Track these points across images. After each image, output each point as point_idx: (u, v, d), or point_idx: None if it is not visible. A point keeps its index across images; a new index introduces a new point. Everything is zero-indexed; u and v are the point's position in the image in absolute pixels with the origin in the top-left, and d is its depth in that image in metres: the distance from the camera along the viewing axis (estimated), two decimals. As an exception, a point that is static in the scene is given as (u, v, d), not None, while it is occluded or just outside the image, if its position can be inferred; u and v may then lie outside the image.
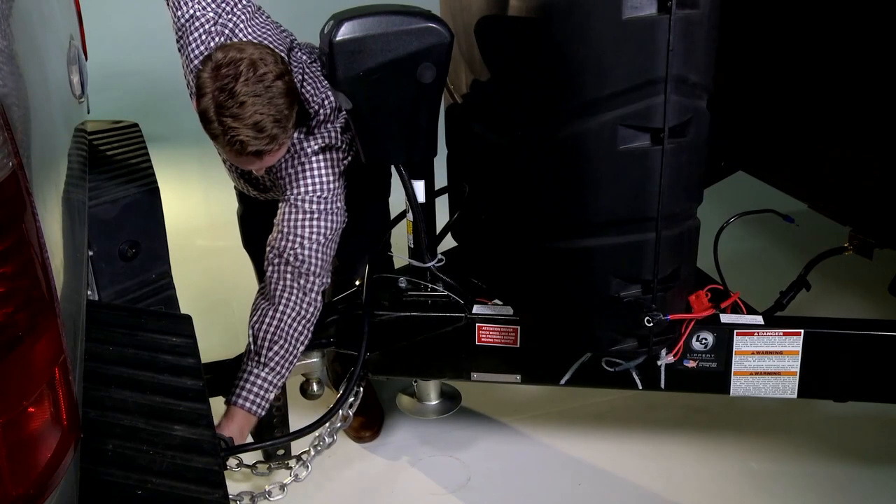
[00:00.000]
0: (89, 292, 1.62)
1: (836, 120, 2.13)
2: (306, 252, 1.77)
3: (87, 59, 2.10)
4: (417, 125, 1.76)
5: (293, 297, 1.79)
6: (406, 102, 1.72)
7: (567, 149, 1.53)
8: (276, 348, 1.79)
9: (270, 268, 1.81)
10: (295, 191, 1.79)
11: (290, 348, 1.80)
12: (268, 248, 1.82)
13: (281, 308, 1.79)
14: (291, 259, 1.77)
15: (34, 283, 0.79)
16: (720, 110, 1.67)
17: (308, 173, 1.78)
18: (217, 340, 2.64)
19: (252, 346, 1.81)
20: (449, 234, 2.13)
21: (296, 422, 1.97)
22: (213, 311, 3.06)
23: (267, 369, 1.79)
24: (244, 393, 1.78)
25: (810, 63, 2.19)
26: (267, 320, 1.80)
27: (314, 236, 1.78)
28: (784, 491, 2.12)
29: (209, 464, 1.15)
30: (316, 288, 1.80)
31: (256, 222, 2.36)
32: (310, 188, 1.78)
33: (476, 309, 1.89)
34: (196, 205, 4.06)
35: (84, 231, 1.49)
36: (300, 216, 1.78)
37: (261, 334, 1.79)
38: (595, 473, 2.21)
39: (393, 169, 1.95)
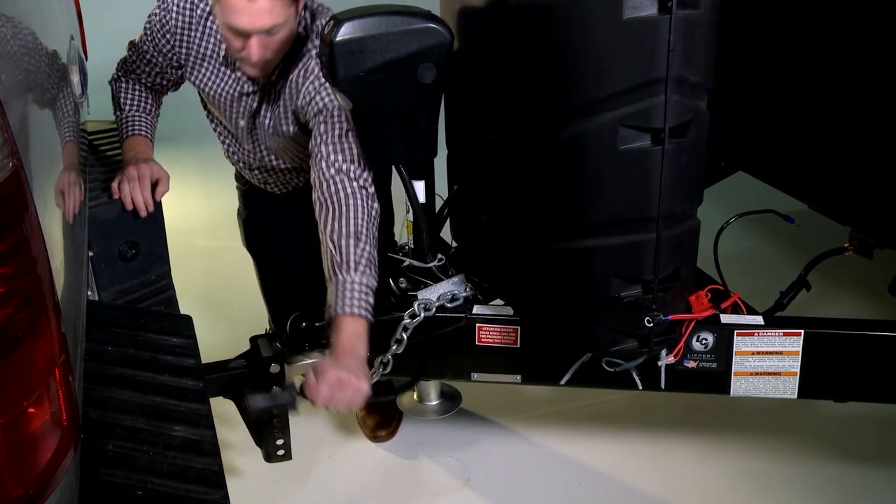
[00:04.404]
0: (89, 292, 1.62)
1: (836, 120, 2.13)
2: (356, 153, 1.77)
3: (87, 59, 2.10)
4: (417, 125, 1.76)
5: (359, 200, 1.76)
6: (406, 103, 1.72)
7: (567, 149, 1.53)
8: (358, 249, 1.73)
9: (327, 184, 1.77)
10: (326, 99, 1.80)
11: (369, 247, 1.75)
12: (319, 169, 1.79)
13: (352, 212, 1.75)
14: (345, 168, 1.76)
15: (34, 283, 0.79)
16: (720, 110, 1.67)
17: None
18: (217, 341, 2.64)
19: (335, 258, 1.73)
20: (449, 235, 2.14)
21: (296, 422, 1.97)
22: (214, 312, 3.06)
23: (357, 272, 1.72)
24: (344, 301, 1.69)
25: (810, 63, 2.19)
26: (341, 228, 1.74)
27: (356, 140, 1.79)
28: (784, 491, 2.12)
29: (210, 464, 1.15)
30: (370, 183, 1.79)
31: (259, 223, 2.37)
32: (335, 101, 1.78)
33: (476, 309, 1.89)
34: (196, 205, 4.06)
35: (84, 231, 1.49)
36: (344, 125, 1.78)
37: (342, 241, 1.73)
38: (595, 473, 2.22)
39: (393, 169, 1.95)
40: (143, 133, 2.03)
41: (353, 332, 1.67)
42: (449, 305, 1.90)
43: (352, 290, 1.70)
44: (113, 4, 4.98)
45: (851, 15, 2.01)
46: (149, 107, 2.09)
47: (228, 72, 1.95)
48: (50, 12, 1.33)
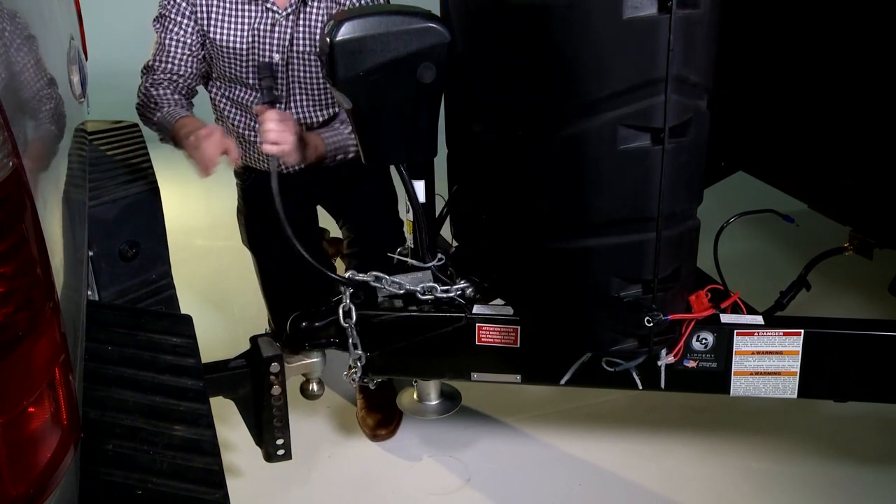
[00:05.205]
0: (89, 292, 1.62)
1: (837, 120, 2.13)
2: None
3: (87, 59, 2.10)
4: (417, 125, 1.76)
5: None
6: (406, 102, 1.72)
7: (567, 149, 1.53)
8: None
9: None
10: None
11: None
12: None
13: None
14: None
15: (34, 283, 0.79)
16: (720, 110, 1.67)
17: None
18: (217, 341, 2.65)
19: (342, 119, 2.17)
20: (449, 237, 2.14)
21: (296, 422, 1.97)
22: (214, 311, 3.06)
23: (347, 132, 2.11)
24: (329, 134, 2.10)
25: (810, 63, 2.19)
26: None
27: None
28: (784, 491, 2.12)
29: (209, 464, 1.15)
30: None
31: (260, 220, 2.37)
32: None
33: (476, 309, 1.89)
34: (196, 205, 4.07)
35: (84, 231, 1.49)
36: None
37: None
38: (595, 473, 2.22)
39: (393, 169, 1.96)
40: (192, 115, 2.09)
41: (317, 143, 2.05)
42: (409, 286, 1.87)
43: (337, 134, 2.09)
44: (113, 4, 4.98)
45: (851, 14, 2.01)
46: (184, 105, 2.14)
47: (255, 7, 2.07)
48: (50, 12, 1.33)
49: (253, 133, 2.24)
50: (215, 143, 1.88)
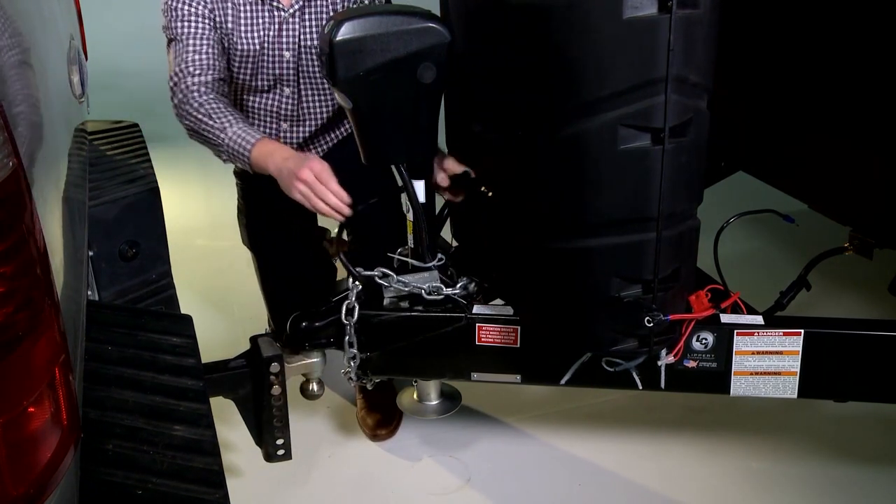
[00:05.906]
0: (89, 292, 1.62)
1: (836, 120, 2.13)
2: None
3: (87, 59, 2.10)
4: (417, 125, 1.76)
5: None
6: (406, 102, 1.72)
7: (567, 149, 1.53)
8: None
9: None
10: None
11: None
12: None
13: None
14: None
15: (34, 283, 0.79)
16: (720, 110, 1.67)
17: None
18: (217, 341, 2.64)
19: None
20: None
21: (296, 422, 1.97)
22: (214, 312, 3.06)
23: None
24: None
25: (811, 63, 2.19)
26: None
27: None
28: (784, 491, 2.12)
29: (210, 464, 1.15)
30: None
31: (260, 221, 2.37)
32: None
33: (476, 309, 1.89)
34: (196, 205, 4.06)
35: (84, 231, 1.49)
36: None
37: None
38: (595, 473, 2.22)
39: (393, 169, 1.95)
40: (265, 137, 1.93)
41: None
42: (414, 284, 1.87)
43: None
44: (113, 4, 4.99)
45: (851, 14, 2.01)
46: (244, 119, 1.98)
47: (262, 7, 2.08)
48: (50, 12, 1.33)
49: (270, 118, 2.25)
50: (335, 189, 1.80)
